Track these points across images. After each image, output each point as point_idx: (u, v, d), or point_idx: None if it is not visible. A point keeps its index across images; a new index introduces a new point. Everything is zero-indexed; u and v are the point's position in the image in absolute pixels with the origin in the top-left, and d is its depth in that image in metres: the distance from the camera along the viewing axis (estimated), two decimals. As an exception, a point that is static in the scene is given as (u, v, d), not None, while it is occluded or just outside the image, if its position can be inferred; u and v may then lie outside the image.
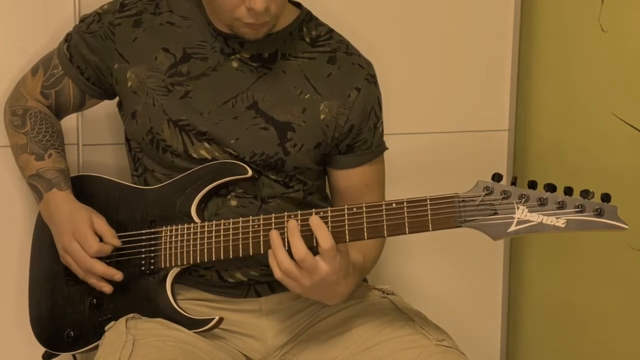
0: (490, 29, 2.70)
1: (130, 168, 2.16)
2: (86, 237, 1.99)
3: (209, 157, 2.02)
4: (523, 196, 1.70)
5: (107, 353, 1.89)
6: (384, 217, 1.79)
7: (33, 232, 2.21)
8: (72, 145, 2.39)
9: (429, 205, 1.76)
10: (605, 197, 1.67)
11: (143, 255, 2.03)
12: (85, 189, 2.12)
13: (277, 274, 1.82)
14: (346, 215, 1.83)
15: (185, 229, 1.99)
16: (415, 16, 2.63)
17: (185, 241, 1.98)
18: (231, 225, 1.93)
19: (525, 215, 1.69)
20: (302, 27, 2.09)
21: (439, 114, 2.69)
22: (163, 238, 2.01)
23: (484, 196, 1.72)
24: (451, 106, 2.70)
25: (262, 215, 1.90)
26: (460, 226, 1.74)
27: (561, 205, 1.68)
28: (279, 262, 1.81)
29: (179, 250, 1.99)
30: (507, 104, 2.74)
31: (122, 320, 1.99)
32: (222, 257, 1.94)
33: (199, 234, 1.97)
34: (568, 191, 1.69)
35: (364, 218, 1.81)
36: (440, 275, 2.78)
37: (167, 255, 2.01)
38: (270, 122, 2.01)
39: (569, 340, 2.71)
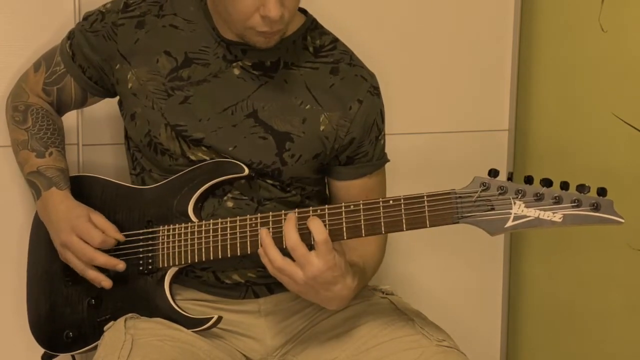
0: (491, 30, 2.70)
1: (129, 167, 2.16)
2: (88, 230, 1.99)
3: (208, 159, 2.01)
4: (520, 191, 1.70)
5: (106, 353, 1.89)
6: (381, 214, 1.79)
7: (30, 232, 2.21)
8: (72, 145, 2.40)
9: (426, 201, 1.76)
10: (601, 192, 1.68)
11: (141, 255, 2.03)
12: (82, 190, 2.12)
13: (272, 270, 1.83)
14: (343, 212, 1.82)
15: (183, 229, 1.98)
16: (416, 16, 2.63)
17: (182, 241, 1.98)
18: (229, 225, 1.93)
19: (522, 211, 1.69)
20: (307, 36, 2.07)
21: (439, 114, 2.70)
22: (160, 238, 2.01)
23: (480, 192, 1.73)
24: (451, 106, 2.70)
25: (259, 214, 1.90)
26: (458, 222, 1.75)
27: (557, 200, 1.68)
28: (272, 260, 1.82)
29: (176, 249, 1.99)
30: (507, 104, 2.74)
31: (121, 320, 1.99)
32: (219, 256, 1.94)
33: (196, 233, 1.97)
34: (564, 186, 1.69)
35: (362, 215, 1.81)
36: (440, 275, 2.78)
37: (165, 255, 2.00)
38: (269, 132, 2.00)
39: (569, 340, 2.71)
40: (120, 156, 2.33)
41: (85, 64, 2.12)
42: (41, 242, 2.15)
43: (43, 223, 2.10)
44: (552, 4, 2.68)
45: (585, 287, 2.63)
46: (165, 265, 2.01)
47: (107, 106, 2.27)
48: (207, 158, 2.01)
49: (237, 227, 1.92)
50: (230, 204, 2.02)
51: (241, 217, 1.92)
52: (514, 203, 1.70)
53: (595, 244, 2.54)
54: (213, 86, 2.02)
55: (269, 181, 2.03)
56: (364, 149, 2.07)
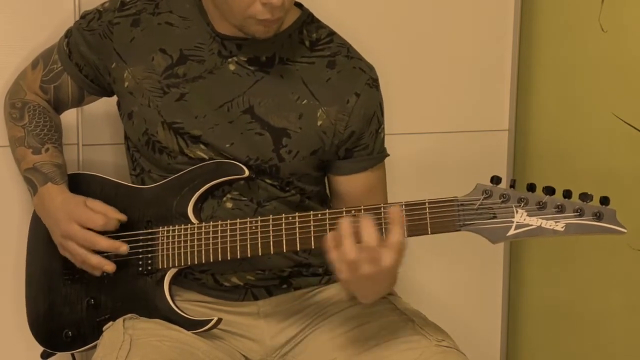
0: (491, 30, 2.70)
1: (129, 167, 2.16)
2: (88, 216, 1.99)
3: (207, 158, 2.01)
4: (522, 200, 1.70)
5: (105, 353, 1.89)
6: (383, 221, 1.78)
7: (28, 231, 2.21)
8: (72, 145, 2.40)
9: (427, 209, 1.76)
10: (604, 200, 1.67)
11: (140, 256, 2.02)
12: (81, 187, 2.11)
13: (334, 255, 1.75)
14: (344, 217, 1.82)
15: (182, 230, 1.98)
16: (416, 16, 2.63)
17: (182, 242, 1.98)
18: (229, 227, 1.93)
19: (524, 219, 1.69)
20: (302, 30, 2.06)
21: (438, 114, 2.69)
22: (160, 239, 2.01)
23: (482, 200, 1.72)
24: (451, 106, 2.70)
25: (259, 217, 1.90)
26: (459, 230, 1.75)
27: (560, 209, 1.68)
28: (346, 252, 1.73)
29: (176, 250, 1.98)
30: (507, 104, 2.74)
31: (120, 320, 1.99)
32: (219, 259, 1.94)
33: (196, 234, 1.96)
34: (567, 194, 1.69)
35: None
36: (440, 275, 2.78)
37: (165, 255, 2.00)
38: (265, 128, 2.00)
39: (569, 341, 2.71)
40: (120, 156, 2.33)
41: (81, 62, 2.13)
42: (40, 240, 2.15)
43: (41, 222, 2.10)
44: (552, 4, 2.67)
45: (585, 288, 2.63)
46: (165, 266, 2.00)
47: (107, 106, 2.27)
48: (205, 157, 2.01)
49: (237, 229, 1.92)
50: (229, 204, 2.02)
51: (241, 220, 1.92)
52: (516, 211, 1.70)
53: (595, 244, 2.53)
54: (208, 83, 2.02)
55: (267, 180, 2.02)
56: (364, 142, 2.06)
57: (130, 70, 2.05)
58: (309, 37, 2.07)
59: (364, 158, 2.07)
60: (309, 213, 1.85)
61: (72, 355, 2.17)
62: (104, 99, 2.23)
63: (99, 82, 2.14)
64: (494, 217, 1.72)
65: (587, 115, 2.57)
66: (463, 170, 2.64)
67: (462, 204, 1.74)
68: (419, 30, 2.63)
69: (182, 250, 1.98)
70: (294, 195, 2.06)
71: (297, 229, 1.86)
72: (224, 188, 2.02)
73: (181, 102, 2.01)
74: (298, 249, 1.88)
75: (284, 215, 1.88)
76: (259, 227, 1.90)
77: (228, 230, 1.93)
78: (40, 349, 2.17)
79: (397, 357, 1.90)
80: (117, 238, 2.01)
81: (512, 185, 1.72)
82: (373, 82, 2.06)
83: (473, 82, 2.71)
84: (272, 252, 1.90)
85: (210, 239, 1.95)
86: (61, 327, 2.10)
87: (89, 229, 2.00)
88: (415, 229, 1.78)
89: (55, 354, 2.16)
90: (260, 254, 1.90)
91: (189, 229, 1.97)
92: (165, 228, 2.00)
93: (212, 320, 1.98)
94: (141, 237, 2.03)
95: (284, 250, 1.89)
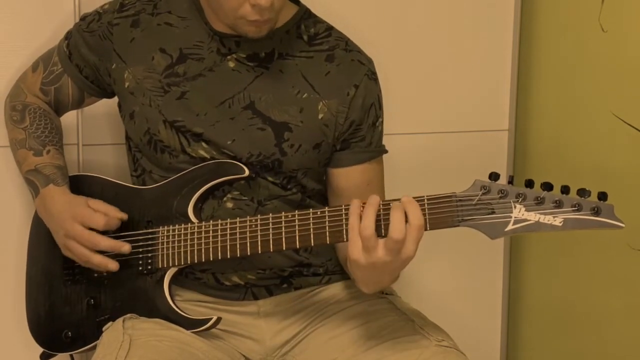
0: (490, 29, 2.70)
1: (130, 168, 2.16)
2: (90, 215, 1.99)
3: (208, 157, 2.01)
4: (520, 195, 1.70)
5: (104, 353, 1.89)
6: (382, 216, 1.77)
7: (30, 232, 2.21)
8: (72, 145, 2.40)
9: (426, 204, 1.76)
10: (602, 196, 1.68)
11: (140, 256, 2.03)
12: (82, 189, 2.12)
13: (353, 221, 1.74)
14: (343, 214, 1.82)
15: (183, 229, 1.98)
16: (416, 16, 2.63)
17: (182, 241, 1.98)
18: (229, 225, 1.93)
19: (523, 214, 1.70)
20: (300, 25, 2.08)
21: (439, 114, 2.69)
22: (160, 238, 2.01)
23: (481, 195, 1.73)
24: (451, 106, 2.70)
25: (259, 216, 1.90)
26: (458, 225, 1.75)
27: (558, 204, 1.68)
28: (365, 226, 1.73)
29: (176, 250, 1.99)
30: (507, 104, 2.74)
31: (120, 320, 2.00)
32: (219, 257, 1.94)
33: (196, 234, 1.97)
34: (565, 190, 1.69)
35: None
36: (440, 275, 2.78)
37: (165, 255, 2.00)
38: (267, 123, 2.01)
39: (568, 340, 2.70)
40: (121, 156, 2.33)
41: (82, 63, 2.14)
42: (41, 241, 2.16)
43: (42, 223, 2.11)
44: (552, 4, 2.67)
45: (585, 287, 2.63)
46: (165, 265, 2.01)
47: (107, 106, 2.27)
48: (207, 156, 2.01)
49: (237, 228, 1.92)
50: (229, 204, 2.02)
51: (241, 219, 1.92)
52: (515, 207, 1.70)
53: (595, 244, 2.53)
54: (209, 80, 2.03)
55: (269, 178, 2.03)
56: (361, 133, 2.06)
57: (131, 70, 2.06)
58: (307, 32, 2.08)
59: (361, 150, 2.07)
60: (308, 211, 1.85)
61: (71, 356, 2.17)
62: (104, 99, 2.23)
63: (99, 83, 2.15)
64: (493, 213, 1.72)
65: (587, 115, 2.57)
66: (463, 170, 2.59)
67: (460, 200, 1.75)
68: (419, 30, 2.64)
69: (182, 249, 1.98)
70: (295, 194, 2.06)
71: (297, 226, 1.86)
72: (225, 188, 2.02)
73: (182, 101, 2.02)
74: (298, 246, 1.88)
75: (283, 213, 1.88)
76: (258, 225, 1.90)
77: (228, 229, 1.93)
78: (39, 350, 2.17)
79: (397, 357, 1.90)
80: (117, 238, 2.02)
81: (511, 181, 1.73)
82: (372, 75, 2.08)
83: (473, 82, 2.70)
84: (271, 250, 1.90)
85: (210, 237, 1.95)
86: (61, 327, 2.11)
87: (91, 228, 2.00)
88: None
89: (55, 355, 2.16)
90: (259, 252, 1.90)
91: (189, 228, 1.98)
92: (166, 228, 2.01)
93: (211, 319, 1.99)
94: (141, 237, 2.03)
95: (284, 248, 1.89)
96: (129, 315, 2.01)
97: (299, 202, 2.07)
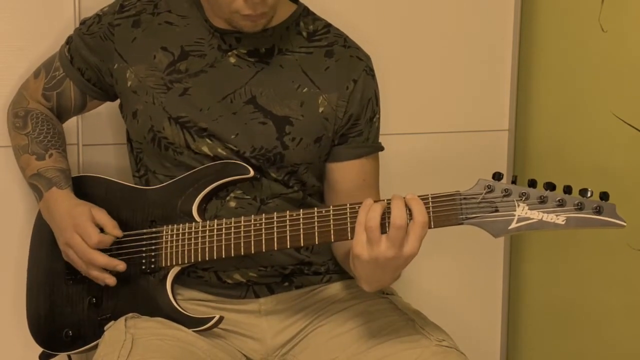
0: (490, 29, 2.70)
1: (132, 169, 2.17)
2: (86, 229, 2.00)
3: (211, 154, 2.02)
4: (523, 194, 1.72)
5: (106, 352, 1.90)
6: (386, 215, 1.78)
7: (32, 232, 2.21)
8: (72, 146, 2.39)
9: (430, 202, 1.77)
10: (604, 196, 1.69)
11: (144, 255, 2.03)
12: (86, 190, 2.12)
13: (371, 221, 1.75)
14: (348, 213, 1.83)
15: (187, 228, 1.99)
16: (416, 16, 2.63)
17: (186, 240, 1.99)
18: (233, 225, 1.94)
19: (526, 213, 1.71)
20: (299, 22, 2.10)
21: (438, 114, 2.69)
22: (164, 237, 2.02)
23: (485, 194, 1.74)
24: (451, 106, 2.70)
25: (264, 215, 1.91)
26: (462, 223, 1.76)
27: (561, 203, 1.69)
28: (371, 217, 1.74)
29: (179, 249, 1.99)
30: (507, 104, 2.74)
31: (122, 319, 2.00)
32: (223, 256, 1.95)
33: (200, 232, 1.97)
34: (567, 190, 1.71)
35: None
36: (440, 275, 2.78)
37: (168, 254, 2.01)
38: (268, 117, 2.02)
39: (569, 340, 2.71)
40: (121, 156, 2.34)
41: (83, 66, 2.14)
42: (43, 241, 2.16)
43: (45, 224, 2.11)
44: (552, 4, 2.68)
45: (585, 287, 2.63)
46: (168, 264, 2.01)
47: (107, 106, 2.27)
48: (209, 153, 2.02)
49: (242, 227, 1.93)
50: (232, 203, 2.03)
51: (245, 218, 1.93)
52: (518, 205, 1.71)
53: (595, 244, 2.54)
54: (210, 76, 2.04)
55: (272, 174, 2.04)
56: (359, 128, 2.08)
57: (133, 69, 2.07)
58: (306, 28, 2.10)
59: (359, 145, 2.09)
60: (312, 210, 1.86)
61: (69, 356, 2.18)
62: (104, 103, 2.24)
63: (101, 85, 2.16)
64: (496, 211, 1.73)
65: (587, 115, 2.57)
66: (463, 170, 2.61)
67: (464, 198, 1.76)
68: (419, 30, 2.64)
69: (185, 248, 1.99)
70: (296, 192, 2.07)
71: (301, 225, 1.87)
72: (228, 187, 2.03)
73: (185, 97, 2.03)
74: (302, 245, 1.88)
75: (288, 212, 1.89)
76: (263, 224, 1.91)
77: (232, 228, 1.94)
78: (39, 350, 2.17)
79: (398, 357, 1.90)
80: (121, 238, 2.03)
81: (514, 181, 1.74)
82: (370, 71, 2.10)
83: (473, 82, 2.71)
84: (275, 249, 1.91)
85: (215, 236, 1.96)
86: (62, 327, 2.11)
87: None
88: None
89: (54, 355, 2.16)
90: (264, 250, 1.91)
91: (192, 227, 1.98)
92: (170, 227, 2.01)
93: (213, 318, 1.99)
94: (145, 236, 2.04)
95: (288, 247, 1.89)
96: (130, 314, 2.02)
97: (301, 200, 2.08)
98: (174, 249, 2.00)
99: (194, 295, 2.08)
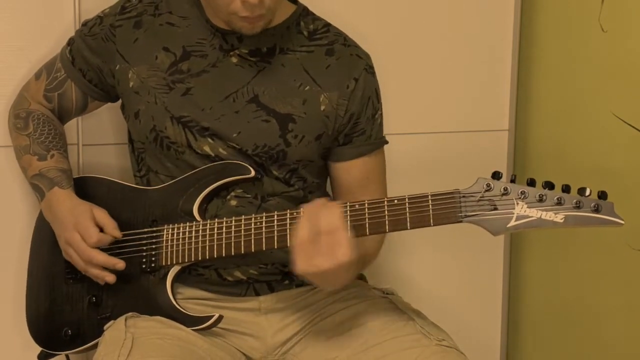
0: (490, 29, 2.70)
1: (133, 169, 2.18)
2: (87, 228, 2.00)
3: (212, 154, 2.03)
4: (522, 193, 1.73)
5: (106, 351, 1.90)
6: (386, 213, 1.81)
7: (33, 231, 2.22)
8: (73, 146, 2.40)
9: (430, 200, 1.79)
10: (602, 195, 1.71)
11: (144, 254, 2.04)
12: (87, 190, 2.13)
13: (295, 244, 1.79)
14: (348, 212, 1.85)
15: (187, 227, 2.00)
16: (415, 16, 2.63)
17: (187, 239, 2.00)
18: (233, 223, 1.95)
19: (525, 211, 1.72)
20: (299, 22, 2.11)
21: (438, 114, 2.70)
22: (165, 236, 2.03)
23: (484, 192, 1.75)
24: (451, 106, 2.70)
25: (264, 214, 1.92)
26: (461, 221, 1.77)
27: (559, 202, 1.71)
28: (303, 233, 1.78)
29: (180, 247, 2.00)
30: (507, 104, 2.74)
31: (122, 318, 2.00)
32: (223, 255, 1.96)
33: (200, 231, 1.98)
34: (566, 189, 1.72)
35: (366, 214, 1.84)
36: (440, 275, 2.78)
37: (169, 253, 2.02)
38: (271, 115, 2.03)
39: (569, 340, 2.71)
40: (122, 156, 2.34)
41: (85, 67, 2.15)
42: (44, 241, 2.17)
43: (46, 222, 2.12)
44: (552, 4, 2.68)
45: (585, 287, 2.63)
46: (169, 263, 2.02)
47: (108, 106, 2.28)
48: (211, 152, 2.03)
49: (242, 225, 1.94)
50: (233, 202, 2.04)
51: (245, 217, 1.94)
52: (517, 203, 1.72)
53: (595, 244, 2.54)
54: (213, 76, 2.05)
55: (274, 172, 2.05)
56: (361, 127, 2.10)
57: (135, 70, 2.07)
58: (307, 28, 2.11)
59: (362, 143, 2.11)
60: None
61: (67, 356, 2.18)
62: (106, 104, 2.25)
63: (102, 86, 2.16)
64: (495, 209, 1.74)
65: (587, 115, 2.57)
66: (463, 170, 2.59)
67: (464, 196, 1.77)
68: (419, 30, 2.64)
69: (186, 247, 2.00)
70: (297, 190, 2.09)
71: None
72: (229, 187, 2.04)
73: (187, 97, 2.04)
74: None
75: (288, 210, 1.90)
76: (263, 222, 1.92)
77: (233, 227, 1.95)
78: (37, 350, 2.17)
79: (397, 356, 1.91)
80: (119, 238, 2.04)
81: (513, 180, 1.75)
82: (370, 69, 2.12)
83: (473, 82, 2.71)
84: (276, 247, 1.92)
85: (215, 235, 1.97)
86: (61, 325, 2.11)
87: None
88: (417, 221, 1.80)
89: (53, 354, 2.16)
90: (264, 248, 1.93)
91: (193, 227, 1.99)
92: (170, 226, 2.02)
93: (213, 316, 1.99)
94: (145, 235, 2.05)
95: (288, 245, 1.90)
96: (130, 313, 2.02)
97: (301, 198, 2.09)
98: (174, 248, 2.01)
99: (194, 293, 2.08)
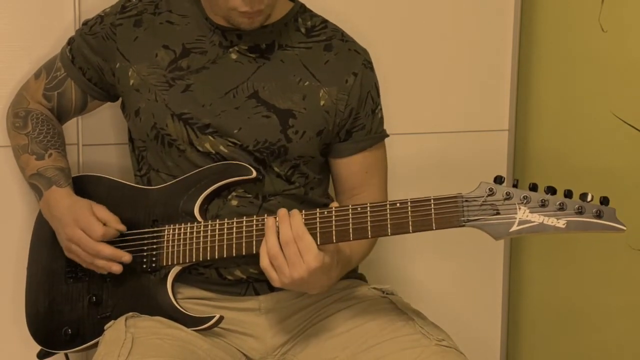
0: (490, 30, 2.70)
1: (134, 168, 2.18)
2: (91, 224, 2.00)
3: (213, 151, 2.03)
4: (525, 197, 1.73)
5: (107, 351, 1.90)
6: (388, 216, 1.80)
7: (32, 230, 2.22)
8: (72, 146, 2.40)
9: (432, 204, 1.79)
10: (604, 200, 1.71)
11: (145, 254, 2.04)
12: (88, 189, 2.13)
13: (264, 262, 1.84)
14: (350, 214, 1.84)
15: (189, 228, 2.00)
16: (416, 16, 2.63)
17: (188, 239, 2.00)
18: (235, 224, 1.95)
19: (527, 216, 1.72)
20: (297, 18, 2.12)
21: (438, 114, 2.70)
22: (165, 236, 2.03)
23: (486, 197, 1.75)
24: (451, 106, 2.70)
25: (265, 214, 1.92)
26: (464, 225, 1.77)
27: (562, 207, 1.71)
28: (269, 247, 1.83)
29: (181, 248, 2.00)
30: (507, 104, 2.74)
31: (122, 318, 2.01)
32: (224, 255, 1.96)
33: (202, 232, 1.98)
34: (568, 194, 1.72)
35: (368, 217, 1.83)
36: (440, 275, 2.78)
37: (169, 253, 2.02)
38: (271, 110, 2.04)
39: (569, 340, 2.71)
40: (121, 156, 2.34)
41: (85, 66, 2.16)
42: (43, 240, 2.17)
43: (46, 221, 2.12)
44: (552, 4, 2.68)
45: (585, 287, 2.63)
46: (169, 263, 2.02)
47: (108, 106, 2.28)
48: (212, 150, 2.03)
49: (244, 226, 1.94)
50: (234, 202, 2.04)
51: (247, 218, 1.94)
52: (519, 208, 1.72)
53: (595, 244, 2.54)
54: (212, 72, 2.06)
55: (275, 168, 2.06)
56: (360, 122, 2.10)
57: (135, 67, 2.08)
58: (304, 24, 2.13)
59: (362, 138, 2.12)
60: (315, 211, 1.86)
61: (66, 355, 2.18)
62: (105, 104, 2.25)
63: (102, 85, 2.17)
64: (498, 214, 1.74)
65: (587, 115, 2.58)
66: (463, 170, 2.64)
67: (466, 200, 1.77)
68: (419, 30, 2.64)
69: (187, 247, 2.00)
70: (298, 187, 2.09)
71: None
72: (230, 187, 2.04)
73: (187, 93, 2.05)
74: None
75: (290, 211, 1.89)
76: (264, 223, 1.91)
77: (234, 228, 1.95)
78: (37, 348, 2.17)
79: (397, 356, 1.91)
80: (122, 236, 2.04)
81: (515, 184, 1.75)
82: (368, 64, 2.13)
83: (473, 82, 2.71)
84: None
85: (216, 236, 1.97)
86: (61, 325, 2.11)
87: None
88: (420, 224, 1.80)
89: (52, 353, 2.16)
90: None
91: (194, 227, 1.99)
92: (172, 226, 2.02)
93: (214, 317, 2.00)
94: (146, 235, 2.05)
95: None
96: (130, 313, 2.03)
97: (302, 196, 2.10)
98: (175, 249, 2.01)
99: (194, 293, 2.09)
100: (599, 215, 1.70)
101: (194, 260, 1.99)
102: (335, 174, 2.16)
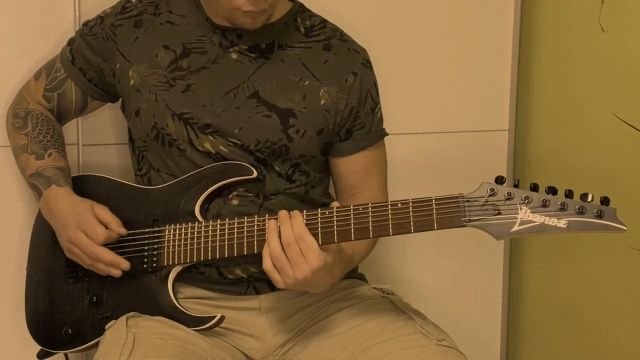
0: (490, 30, 2.70)
1: (134, 168, 2.18)
2: (93, 227, 2.01)
3: (213, 151, 2.03)
4: (526, 198, 1.73)
5: (108, 351, 1.91)
6: (390, 216, 1.81)
7: (32, 230, 2.21)
8: (73, 146, 2.40)
9: (434, 205, 1.79)
10: (605, 200, 1.71)
11: (145, 253, 2.04)
12: (88, 189, 2.13)
13: (267, 264, 1.84)
14: (352, 214, 1.84)
15: (189, 228, 2.00)
16: (416, 16, 2.63)
17: (188, 239, 2.00)
18: (236, 224, 1.95)
19: (528, 216, 1.72)
20: (296, 18, 2.13)
21: (439, 114, 2.70)
22: (166, 236, 2.03)
23: (488, 197, 1.75)
24: (451, 106, 2.70)
25: (267, 214, 1.92)
26: (465, 225, 1.77)
27: (563, 207, 1.71)
28: (271, 249, 1.83)
29: (182, 248, 2.00)
30: (507, 104, 2.75)
31: (123, 318, 2.01)
32: (225, 255, 1.96)
33: (202, 232, 1.98)
34: (569, 194, 1.73)
35: (370, 217, 1.83)
36: (440, 275, 2.78)
37: (170, 253, 2.02)
38: (272, 110, 2.05)
39: (569, 340, 2.71)
40: (121, 156, 2.34)
41: (85, 66, 2.16)
42: (43, 240, 2.17)
43: (46, 221, 2.12)
44: (552, 4, 2.68)
45: (585, 287, 2.63)
46: (170, 263, 2.02)
47: (108, 106, 2.28)
48: (212, 150, 2.04)
49: (245, 226, 1.94)
50: (235, 201, 2.05)
51: (249, 217, 1.94)
52: (520, 208, 1.73)
53: (595, 244, 2.54)
54: (213, 72, 2.06)
55: (276, 168, 2.06)
56: (360, 121, 2.11)
57: (135, 68, 2.08)
58: (304, 24, 2.14)
59: (362, 137, 2.12)
60: (316, 211, 1.86)
61: (66, 355, 2.18)
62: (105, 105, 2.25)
63: (102, 85, 2.17)
64: (499, 214, 1.74)
65: (587, 115, 2.58)
66: (463, 170, 2.64)
67: (468, 200, 1.77)
68: (419, 30, 2.64)
69: (187, 247, 2.00)
70: (299, 186, 2.09)
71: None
72: (231, 187, 2.05)
73: (187, 93, 2.05)
74: None
75: (291, 212, 1.90)
76: (267, 223, 1.91)
77: (235, 228, 1.95)
78: (37, 348, 2.17)
79: (397, 356, 1.91)
80: (123, 236, 2.04)
81: (516, 185, 1.75)
82: (367, 63, 2.14)
83: (473, 82, 2.71)
84: None
85: (217, 235, 1.97)
86: (61, 325, 2.11)
87: None
88: (421, 224, 1.80)
89: (53, 353, 2.16)
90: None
91: (195, 227, 2.00)
92: (172, 226, 2.02)
93: (215, 317, 2.00)
94: (147, 235, 2.05)
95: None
96: (131, 313, 2.03)
97: (303, 195, 2.10)
98: (175, 248, 2.01)
99: (195, 292, 2.09)
100: (599, 216, 1.70)
101: (194, 260, 1.99)
102: (336, 173, 2.16)
